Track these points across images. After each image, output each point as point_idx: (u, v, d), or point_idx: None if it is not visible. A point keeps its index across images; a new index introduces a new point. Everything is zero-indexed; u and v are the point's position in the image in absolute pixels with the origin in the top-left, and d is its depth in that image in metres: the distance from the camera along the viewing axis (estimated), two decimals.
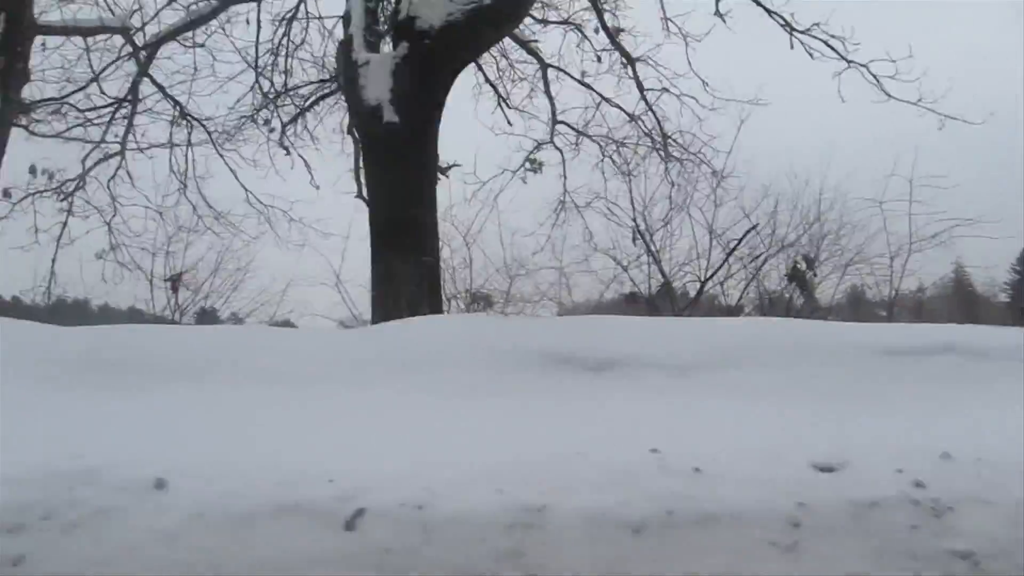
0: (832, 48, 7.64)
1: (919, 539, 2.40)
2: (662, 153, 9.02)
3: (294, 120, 7.76)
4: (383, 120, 5.92)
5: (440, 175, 6.09)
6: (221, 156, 8.86)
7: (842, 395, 3.97)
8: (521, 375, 4.20)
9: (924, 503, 2.52)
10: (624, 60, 8.44)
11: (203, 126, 8.76)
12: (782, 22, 7.63)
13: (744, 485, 2.59)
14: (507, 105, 9.00)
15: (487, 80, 8.81)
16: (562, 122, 9.69)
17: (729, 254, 6.51)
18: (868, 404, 3.83)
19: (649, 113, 9.20)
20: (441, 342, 4.59)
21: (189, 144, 8.92)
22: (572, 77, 9.35)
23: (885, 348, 4.55)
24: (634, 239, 6.50)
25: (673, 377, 4.24)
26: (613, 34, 8.20)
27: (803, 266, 6.31)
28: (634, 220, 6.87)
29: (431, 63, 6.01)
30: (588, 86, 9.36)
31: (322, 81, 7.64)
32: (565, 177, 9.77)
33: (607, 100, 9.41)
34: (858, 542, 2.38)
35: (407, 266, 5.69)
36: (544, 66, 9.24)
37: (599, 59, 8.54)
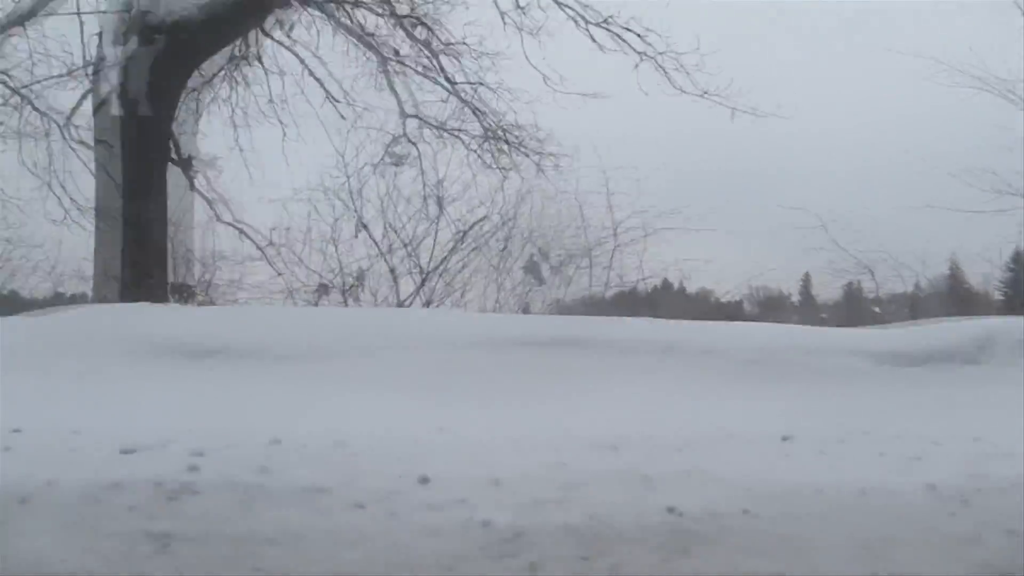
0: (624, 41, 7.56)
1: (126, 519, 2.44)
2: (493, 145, 9.07)
3: (73, 112, 7.97)
4: (111, 112, 6.11)
5: (184, 167, 6.25)
6: (73, 149, 9.15)
7: (409, 385, 4.02)
8: (108, 363, 4.34)
9: (168, 485, 2.57)
10: (428, 53, 8.48)
11: (52, 118, 9.04)
12: (573, 14, 7.58)
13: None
14: (335, 100, 9.08)
15: (311, 74, 8.91)
16: (414, 116, 9.74)
17: (456, 244, 6.54)
18: (407, 391, 3.88)
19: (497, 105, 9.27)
20: (63, 331, 4.76)
21: (47, 136, 9.23)
22: (415, 71, 9.42)
23: (515, 339, 4.58)
24: (357, 230, 6.57)
25: (267, 364, 4.34)
26: (409, 27, 8.24)
27: (539, 259, 6.30)
28: (356, 210, 6.91)
29: (164, 57, 6.17)
30: (433, 79, 9.42)
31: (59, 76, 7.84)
32: (423, 172, 9.78)
33: (453, 93, 9.47)
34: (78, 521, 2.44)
35: (127, 253, 5.86)
36: (383, 60, 9.30)
37: (396, 52, 8.59)
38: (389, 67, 9.41)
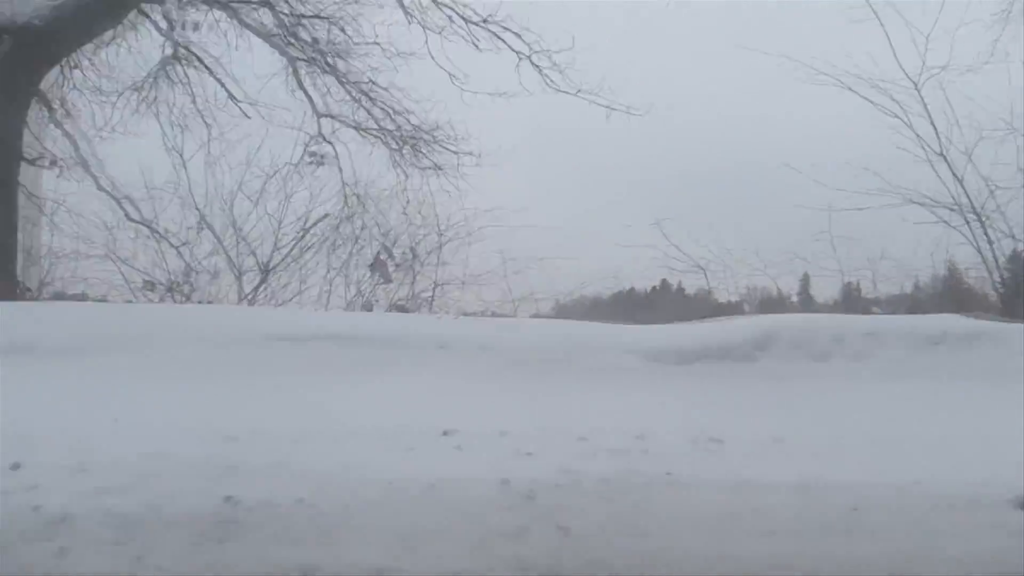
0: (502, 40, 7.59)
1: None
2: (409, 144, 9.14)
3: None
4: None
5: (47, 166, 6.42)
6: None
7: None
8: None
9: None
10: (318, 53, 8.54)
11: None
12: (451, 13, 7.61)
13: None
14: (236, 99, 9.14)
15: (211, 75, 8.99)
16: (327, 115, 9.81)
17: (297, 241, 6.60)
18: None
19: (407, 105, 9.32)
20: None
21: None
22: (327, 71, 9.50)
23: (278, 335, 4.61)
24: (199, 227, 6.65)
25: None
26: (309, 30, 8.34)
27: (385, 256, 6.34)
28: (197, 208, 7.00)
29: (11, 58, 6.33)
30: (343, 79, 9.50)
31: None
32: (341, 170, 9.84)
33: (365, 93, 9.55)
34: None
35: None
36: (293, 60, 9.39)
37: (292, 57, 8.67)
38: (298, 67, 9.51)
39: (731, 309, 12.03)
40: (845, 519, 2.60)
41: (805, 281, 16.97)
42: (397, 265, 6.39)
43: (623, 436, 3.21)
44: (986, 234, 7.35)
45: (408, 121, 9.33)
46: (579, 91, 7.45)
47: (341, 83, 9.45)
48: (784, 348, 4.55)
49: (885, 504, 2.64)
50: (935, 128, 7.21)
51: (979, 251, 7.16)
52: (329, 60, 8.78)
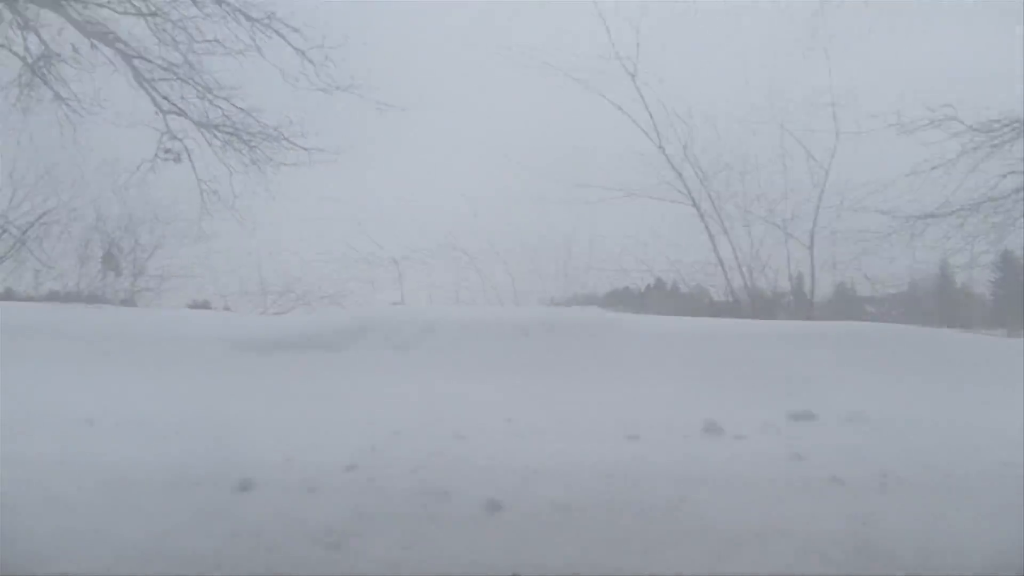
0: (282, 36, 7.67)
1: None
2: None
3: None
4: None
5: None
6: None
7: None
8: None
9: None
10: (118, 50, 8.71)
11: None
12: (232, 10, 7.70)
13: None
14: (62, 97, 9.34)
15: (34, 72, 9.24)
16: (173, 112, 10.00)
17: (21, 236, 6.77)
18: None
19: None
20: None
21: None
22: (159, 67, 9.68)
23: None
24: None
25: None
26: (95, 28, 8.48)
27: (115, 251, 6.51)
28: None
29: None
30: (182, 78, 9.67)
31: None
32: (194, 168, 10.01)
33: (209, 91, 9.71)
34: None
35: None
36: (129, 57, 9.59)
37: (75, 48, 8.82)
38: (136, 64, 9.71)
39: (728, 308, 11.98)
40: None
41: (799, 281, 16.72)
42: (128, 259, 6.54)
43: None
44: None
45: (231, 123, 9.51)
46: (350, 86, 7.49)
47: (180, 79, 9.63)
48: (376, 338, 4.61)
49: None
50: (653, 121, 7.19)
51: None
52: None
